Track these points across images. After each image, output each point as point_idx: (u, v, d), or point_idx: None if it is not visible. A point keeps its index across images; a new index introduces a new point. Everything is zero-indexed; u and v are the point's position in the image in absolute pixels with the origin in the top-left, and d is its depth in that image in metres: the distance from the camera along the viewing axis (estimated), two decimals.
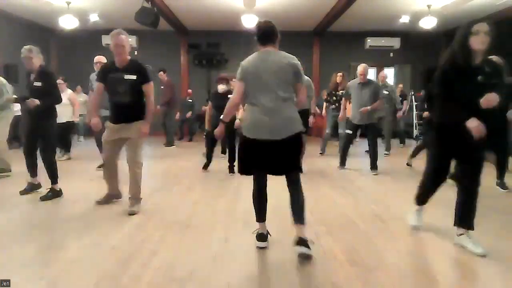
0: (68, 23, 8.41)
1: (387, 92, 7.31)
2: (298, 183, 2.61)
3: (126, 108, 3.50)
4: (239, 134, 2.61)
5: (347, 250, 2.67)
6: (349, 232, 3.06)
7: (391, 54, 11.26)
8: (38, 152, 4.21)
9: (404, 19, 9.34)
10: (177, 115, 9.34)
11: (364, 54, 11.15)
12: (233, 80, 9.44)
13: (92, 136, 6.21)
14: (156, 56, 10.79)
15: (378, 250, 2.72)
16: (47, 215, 3.53)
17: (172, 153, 7.67)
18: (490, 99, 2.41)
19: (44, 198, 3.96)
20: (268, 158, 2.50)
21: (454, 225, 2.77)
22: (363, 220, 3.37)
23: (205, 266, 2.41)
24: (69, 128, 6.88)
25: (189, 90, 10.34)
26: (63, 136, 6.65)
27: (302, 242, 2.47)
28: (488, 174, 4.79)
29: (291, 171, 2.57)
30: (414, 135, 9.88)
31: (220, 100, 5.05)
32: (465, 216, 2.70)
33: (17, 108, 7.79)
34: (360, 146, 8.93)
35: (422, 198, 3.06)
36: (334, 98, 7.21)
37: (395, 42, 10.92)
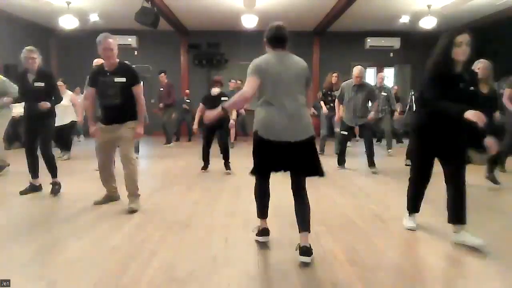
0: (68, 23, 8.41)
1: (385, 94, 7.32)
2: (305, 189, 2.56)
3: (117, 109, 3.54)
4: (253, 134, 2.53)
5: (347, 250, 2.67)
6: (349, 232, 3.06)
7: (391, 54, 11.27)
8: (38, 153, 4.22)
9: (404, 19, 9.34)
10: (173, 115, 9.33)
11: (364, 54, 11.15)
12: (232, 81, 9.46)
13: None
14: (156, 56, 10.80)
15: (378, 250, 2.72)
16: (47, 215, 3.53)
17: (172, 153, 7.67)
18: (478, 117, 2.45)
19: (53, 192, 4.13)
20: (287, 160, 2.45)
21: (449, 222, 2.86)
22: (363, 220, 3.37)
23: (205, 266, 2.41)
24: (70, 128, 6.94)
25: (187, 91, 10.34)
26: (65, 136, 6.66)
27: (306, 252, 2.40)
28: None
29: (313, 175, 2.52)
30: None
31: (213, 102, 5.03)
32: (457, 213, 2.81)
33: (20, 108, 7.82)
34: (360, 146, 8.93)
35: (414, 204, 3.11)
36: (330, 98, 7.22)
37: (395, 42, 10.92)
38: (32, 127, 4.14)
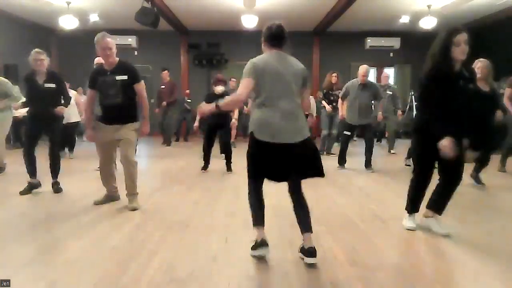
0: (68, 23, 8.41)
1: (390, 93, 7.32)
2: (301, 190, 2.55)
3: (119, 109, 3.52)
4: (250, 135, 2.47)
5: (347, 250, 2.67)
6: (349, 232, 3.06)
7: (391, 54, 11.26)
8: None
9: (404, 19, 9.33)
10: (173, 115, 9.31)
11: (364, 54, 11.14)
12: (232, 79, 9.45)
13: None
14: (156, 56, 10.80)
15: (378, 250, 2.72)
16: (47, 215, 3.53)
17: (172, 153, 7.67)
18: (448, 149, 2.59)
19: (57, 191, 4.18)
20: (285, 162, 2.41)
21: (428, 208, 3.03)
22: (363, 220, 3.37)
23: (205, 266, 2.41)
24: (75, 128, 6.96)
25: (187, 91, 10.34)
26: (69, 136, 6.67)
27: (312, 253, 2.39)
28: (489, 174, 4.83)
29: (314, 176, 2.51)
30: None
31: (216, 101, 5.02)
32: (441, 204, 2.96)
33: (23, 110, 7.82)
34: (360, 146, 8.93)
35: (414, 204, 3.10)
36: (331, 98, 7.20)
37: (395, 42, 10.92)
38: (36, 128, 4.16)
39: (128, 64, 3.65)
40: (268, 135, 2.38)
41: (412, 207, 3.12)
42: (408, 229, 3.07)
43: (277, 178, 2.49)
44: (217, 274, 2.30)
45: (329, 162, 6.38)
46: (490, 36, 8.52)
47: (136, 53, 10.66)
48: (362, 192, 4.51)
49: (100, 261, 2.47)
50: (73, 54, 10.59)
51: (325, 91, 7.31)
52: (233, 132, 8.04)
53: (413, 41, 10.62)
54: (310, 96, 5.50)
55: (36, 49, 4.14)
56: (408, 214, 3.15)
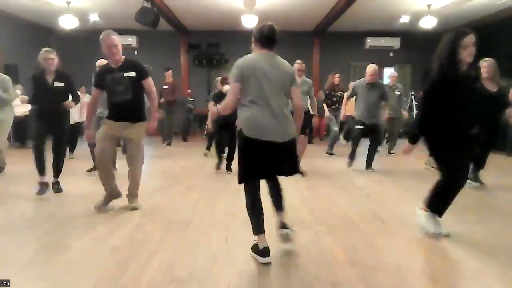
0: (68, 23, 8.41)
1: (399, 93, 7.31)
2: (280, 184, 2.70)
3: (128, 106, 3.47)
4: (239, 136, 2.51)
5: (347, 250, 2.67)
6: (349, 232, 3.06)
7: (391, 54, 11.26)
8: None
9: (404, 19, 9.34)
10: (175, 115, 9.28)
11: (364, 54, 11.14)
12: None
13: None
14: (156, 56, 10.80)
15: (378, 250, 2.72)
16: (47, 215, 3.52)
17: (172, 153, 7.67)
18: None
19: (58, 190, 4.18)
20: (273, 160, 2.46)
21: (427, 206, 2.95)
22: (363, 220, 3.36)
23: (205, 266, 2.40)
24: (77, 128, 6.97)
25: (189, 91, 10.34)
26: (72, 136, 6.67)
27: (285, 225, 2.61)
28: (489, 174, 4.83)
29: (292, 174, 2.60)
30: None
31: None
32: (440, 203, 2.88)
33: (24, 108, 7.83)
34: (360, 146, 8.92)
35: (442, 208, 2.88)
36: (334, 99, 7.17)
37: (395, 42, 10.92)
38: (45, 127, 4.14)
39: (135, 61, 3.62)
40: (259, 132, 2.41)
41: (439, 210, 2.87)
42: (434, 235, 2.83)
43: (265, 176, 2.58)
44: (217, 274, 2.30)
45: (329, 162, 6.38)
46: (490, 36, 8.51)
47: (136, 53, 10.65)
48: (362, 192, 4.51)
49: (100, 261, 2.47)
50: (73, 54, 10.56)
51: (327, 91, 7.28)
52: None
53: (413, 41, 10.64)
54: (313, 96, 5.55)
55: (46, 48, 4.14)
56: (431, 217, 2.88)
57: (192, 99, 10.11)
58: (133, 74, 3.46)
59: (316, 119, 5.95)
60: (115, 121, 3.50)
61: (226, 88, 5.51)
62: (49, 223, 3.31)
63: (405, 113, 7.67)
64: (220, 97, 5.47)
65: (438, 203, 2.87)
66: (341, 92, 7.34)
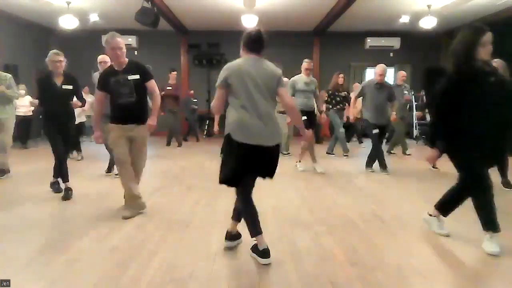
0: (68, 23, 8.41)
1: (406, 93, 7.32)
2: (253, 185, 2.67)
3: (133, 108, 3.45)
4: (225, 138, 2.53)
5: (347, 250, 2.67)
6: (349, 232, 3.06)
7: (391, 54, 11.26)
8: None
9: (404, 19, 9.34)
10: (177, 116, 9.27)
11: (364, 54, 11.15)
12: None
13: None
14: (156, 56, 10.79)
15: (378, 250, 2.72)
16: (47, 215, 3.53)
17: (172, 153, 7.67)
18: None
19: (57, 191, 4.13)
20: (257, 163, 2.49)
21: (434, 206, 2.97)
22: (363, 220, 3.37)
23: (205, 266, 2.41)
24: (79, 128, 6.99)
25: (191, 91, 10.31)
26: (76, 137, 6.67)
27: (234, 237, 2.68)
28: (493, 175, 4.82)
29: (268, 176, 2.60)
30: (414, 135, 9.88)
31: None
32: (449, 207, 2.91)
33: (25, 108, 7.85)
34: (360, 146, 8.93)
35: (494, 220, 2.69)
36: (338, 99, 7.15)
37: (395, 42, 10.92)
38: (57, 129, 4.13)
39: (138, 62, 3.60)
40: (246, 136, 2.42)
41: (490, 224, 2.64)
42: (491, 254, 2.58)
43: (251, 177, 2.59)
44: (217, 274, 2.30)
45: (329, 163, 6.39)
46: None
47: (136, 53, 10.65)
48: (362, 192, 4.51)
49: (100, 261, 2.47)
50: (73, 54, 10.48)
51: (331, 92, 7.25)
52: None
53: (413, 41, 10.64)
54: (318, 95, 5.56)
55: (54, 50, 4.12)
56: (489, 235, 2.65)
57: (195, 100, 10.13)
58: (137, 76, 3.43)
59: (324, 116, 5.95)
60: (120, 124, 3.46)
61: None
62: (49, 223, 3.31)
63: (418, 113, 7.60)
64: None
65: (482, 218, 2.71)
66: (345, 92, 7.31)
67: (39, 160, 6.30)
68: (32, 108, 8.02)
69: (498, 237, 2.64)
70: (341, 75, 7.23)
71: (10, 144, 5.19)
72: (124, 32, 10.15)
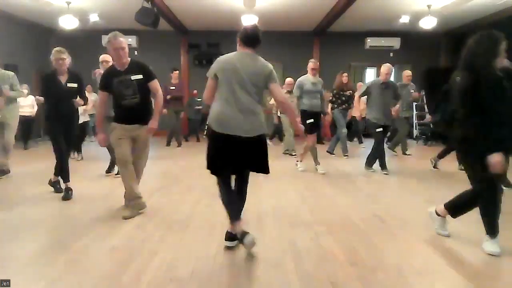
0: (68, 23, 8.41)
1: (412, 91, 7.31)
2: (247, 182, 2.75)
3: (137, 108, 3.42)
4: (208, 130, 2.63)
5: (347, 250, 2.67)
6: (349, 232, 3.06)
7: (391, 54, 11.25)
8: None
9: (404, 19, 9.34)
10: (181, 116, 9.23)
11: (364, 54, 11.15)
12: None
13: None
14: (156, 56, 10.80)
15: (378, 250, 2.72)
16: (47, 215, 3.53)
17: (173, 153, 7.67)
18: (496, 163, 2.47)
19: (57, 191, 4.09)
20: (239, 155, 2.55)
21: (444, 205, 2.92)
22: (363, 220, 3.37)
23: (205, 266, 2.41)
24: (83, 128, 6.97)
25: (195, 91, 10.29)
26: (79, 137, 6.66)
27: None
28: None
29: (263, 170, 2.66)
30: (414, 135, 9.88)
31: None
32: (460, 210, 2.86)
33: (28, 108, 7.84)
34: (360, 146, 8.92)
35: (494, 225, 2.69)
36: (343, 98, 7.13)
37: (395, 42, 10.92)
38: (60, 128, 4.10)
39: (140, 62, 3.56)
40: (225, 127, 2.51)
41: (493, 229, 2.67)
42: (491, 254, 2.61)
43: (233, 171, 2.66)
44: (217, 274, 2.30)
45: (330, 163, 6.38)
46: None
47: (136, 53, 10.65)
48: (362, 192, 4.51)
49: (100, 261, 2.47)
50: (73, 54, 10.49)
51: (336, 91, 7.23)
52: None
53: (413, 41, 10.64)
54: (323, 95, 5.57)
55: (57, 48, 4.09)
56: (489, 237, 2.68)
57: (199, 99, 10.12)
58: (140, 77, 3.41)
59: (328, 117, 5.93)
60: (124, 124, 3.44)
61: None
62: (49, 223, 3.31)
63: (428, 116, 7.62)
64: None
65: (484, 221, 2.71)
66: (350, 91, 7.30)
67: (39, 161, 6.30)
68: (35, 109, 8.02)
69: (498, 237, 2.66)
70: (345, 74, 7.22)
71: (12, 143, 5.20)
72: (124, 32, 10.03)
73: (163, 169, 5.91)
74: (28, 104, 7.82)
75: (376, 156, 5.62)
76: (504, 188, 4.42)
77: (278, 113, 8.05)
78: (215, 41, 10.87)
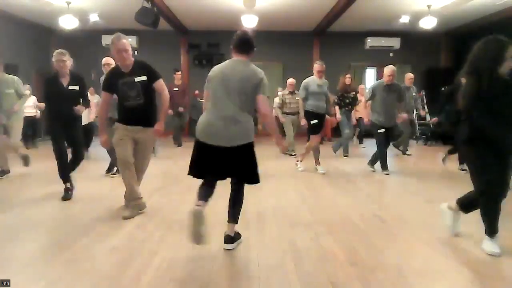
0: (68, 23, 8.41)
1: (415, 94, 7.33)
2: (243, 186, 2.68)
3: (141, 110, 3.38)
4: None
5: (347, 250, 2.67)
6: (349, 232, 3.06)
7: (391, 54, 11.27)
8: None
9: (404, 19, 9.34)
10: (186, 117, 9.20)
11: (364, 54, 11.16)
12: None
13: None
14: (156, 56, 10.79)
15: (378, 250, 2.72)
16: (47, 215, 3.53)
17: (173, 153, 7.67)
18: None
19: (66, 197, 4.03)
20: (219, 163, 2.51)
21: (456, 200, 2.89)
22: (363, 220, 3.37)
23: (205, 266, 2.41)
24: (90, 129, 6.97)
25: (196, 91, 10.28)
26: (86, 138, 6.65)
27: (230, 239, 2.66)
28: None
29: (248, 181, 2.62)
30: (414, 135, 9.88)
31: None
32: (472, 206, 2.82)
33: (31, 108, 7.85)
34: (360, 146, 8.92)
35: (494, 225, 2.69)
36: (348, 100, 7.10)
37: (395, 42, 10.93)
38: (62, 130, 4.08)
39: (144, 63, 3.50)
40: (206, 136, 2.51)
41: (493, 229, 2.67)
42: (491, 254, 2.60)
43: (215, 177, 2.63)
44: (217, 274, 2.30)
45: (330, 163, 6.38)
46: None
47: (136, 53, 10.65)
48: (362, 192, 4.51)
49: (100, 261, 2.47)
50: (73, 54, 10.47)
51: (339, 93, 7.19)
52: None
53: (413, 41, 10.65)
54: (329, 97, 5.57)
55: (59, 50, 4.06)
56: (489, 237, 2.68)
57: (202, 100, 10.10)
58: (144, 78, 3.36)
59: (334, 120, 5.92)
60: (128, 125, 3.41)
61: None
62: (49, 223, 3.31)
63: (423, 112, 7.66)
64: None
65: (484, 221, 2.70)
66: (353, 93, 7.28)
67: (39, 161, 6.29)
68: (38, 110, 8.04)
69: (498, 237, 2.65)
70: (348, 76, 7.19)
71: (17, 143, 5.25)
72: (124, 32, 10.02)
73: (163, 169, 5.92)
74: (30, 104, 7.82)
75: (379, 157, 5.62)
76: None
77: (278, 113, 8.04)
78: (215, 41, 10.88)
